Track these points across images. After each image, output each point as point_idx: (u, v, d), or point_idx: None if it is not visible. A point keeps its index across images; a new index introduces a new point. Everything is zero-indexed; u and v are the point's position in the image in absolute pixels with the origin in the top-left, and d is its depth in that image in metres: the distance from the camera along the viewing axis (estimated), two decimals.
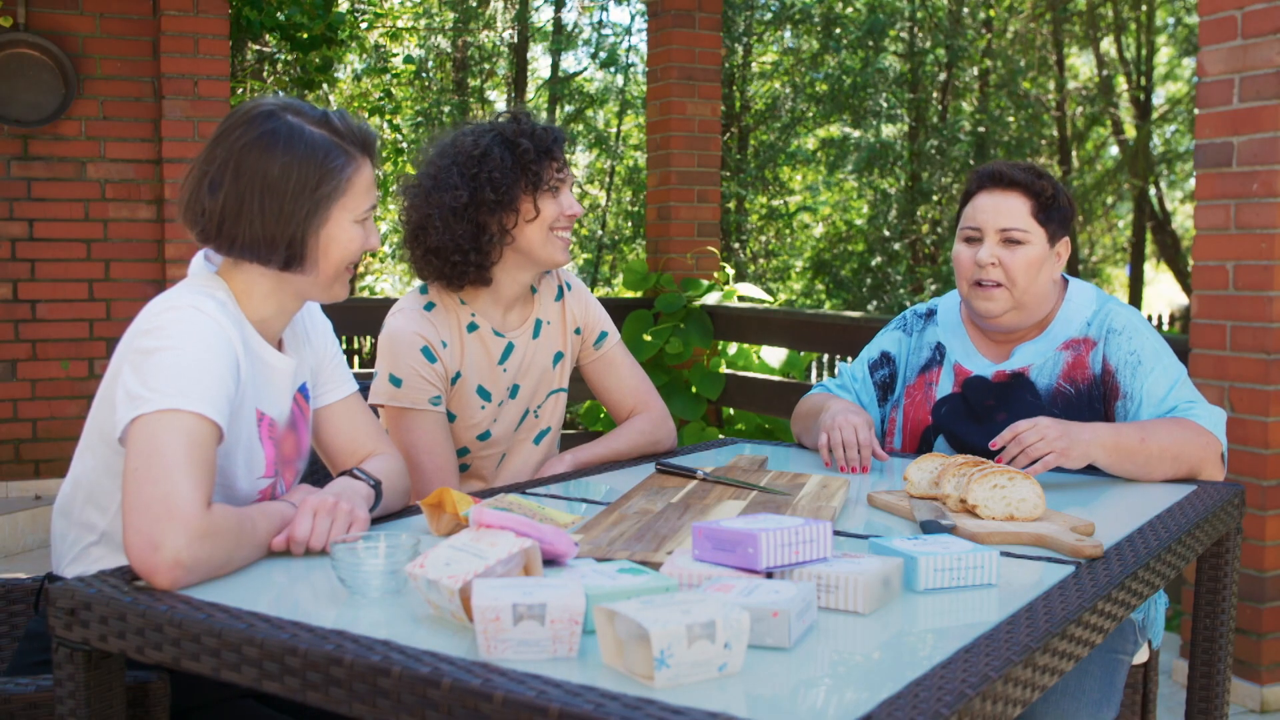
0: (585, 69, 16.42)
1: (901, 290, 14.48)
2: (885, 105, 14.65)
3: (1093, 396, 2.27)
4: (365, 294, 15.66)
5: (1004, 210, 2.26)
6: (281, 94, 1.78)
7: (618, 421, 2.53)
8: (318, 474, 2.23)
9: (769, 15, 14.52)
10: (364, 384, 2.39)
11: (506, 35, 15.39)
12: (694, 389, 5.80)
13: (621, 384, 2.53)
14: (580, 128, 15.25)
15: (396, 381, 2.26)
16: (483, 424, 2.36)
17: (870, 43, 14.20)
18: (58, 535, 1.77)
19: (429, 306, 2.32)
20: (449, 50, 15.18)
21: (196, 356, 1.59)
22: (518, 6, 15.12)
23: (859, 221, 15.52)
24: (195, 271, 1.77)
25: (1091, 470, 2.16)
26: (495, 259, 2.29)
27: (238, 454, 1.71)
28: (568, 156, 2.34)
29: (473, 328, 2.34)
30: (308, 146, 1.71)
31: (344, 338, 10.58)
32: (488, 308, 2.37)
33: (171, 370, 1.56)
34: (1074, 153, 16.55)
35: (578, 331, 2.50)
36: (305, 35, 7.83)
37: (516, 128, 2.29)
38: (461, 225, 2.25)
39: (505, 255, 2.30)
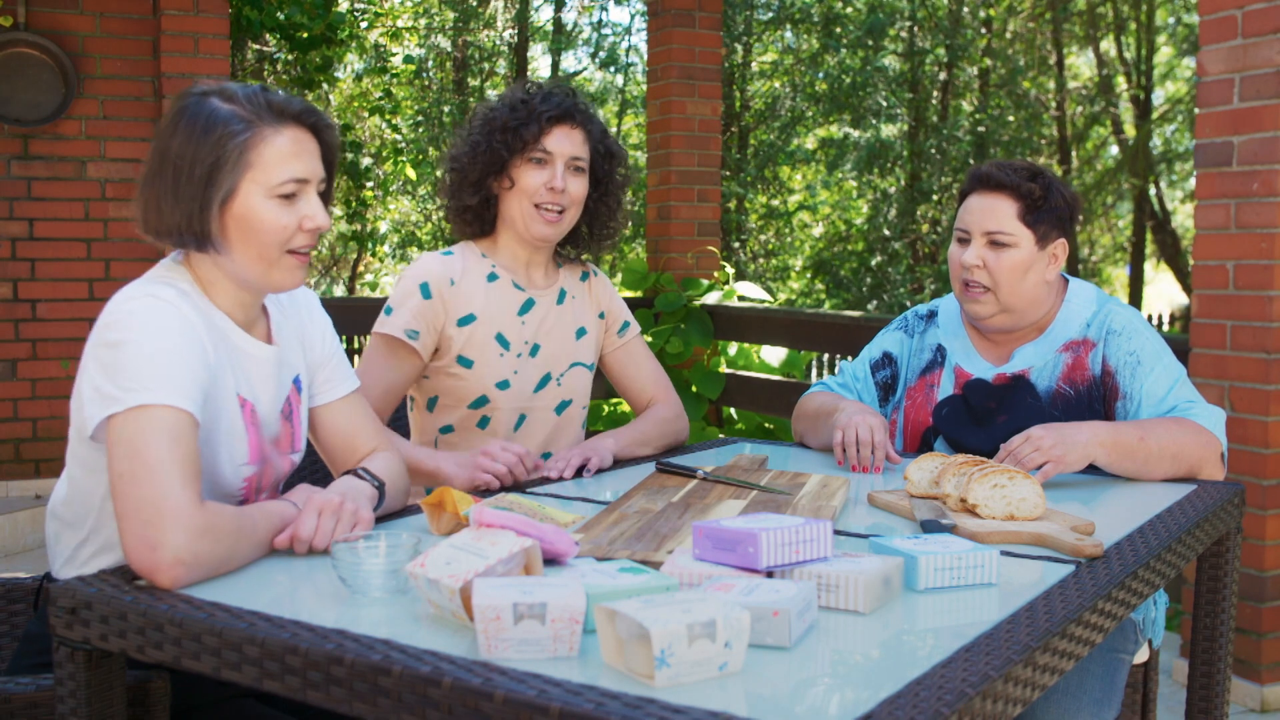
0: (585, 69, 16.42)
1: (901, 290, 14.49)
2: (885, 105, 14.66)
3: (1093, 398, 2.27)
4: (365, 293, 15.67)
5: (990, 213, 2.26)
6: (250, 83, 1.71)
7: (636, 413, 2.57)
8: (318, 474, 2.23)
9: (769, 15, 14.52)
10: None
11: (506, 35, 15.39)
12: (694, 388, 5.80)
13: (641, 375, 2.57)
14: None
15: (388, 310, 2.33)
16: (502, 372, 2.37)
17: (870, 42, 14.21)
18: (51, 536, 1.76)
19: (447, 252, 2.40)
20: (449, 50, 15.18)
21: (158, 346, 1.56)
22: (518, 6, 15.12)
23: (859, 221, 15.52)
24: (161, 264, 1.74)
25: (1091, 469, 2.16)
26: (488, 217, 2.40)
27: (219, 441, 1.68)
28: (571, 132, 2.33)
29: (493, 278, 2.40)
30: (206, 120, 1.64)
31: (344, 337, 10.58)
32: (508, 262, 2.43)
33: (136, 364, 1.53)
34: (1074, 152, 16.55)
35: (602, 316, 2.54)
36: (305, 35, 7.83)
37: (513, 96, 2.36)
38: (450, 176, 2.40)
39: (500, 220, 2.40)
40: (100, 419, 1.54)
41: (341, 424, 1.93)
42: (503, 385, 2.38)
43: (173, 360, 1.56)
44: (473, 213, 2.39)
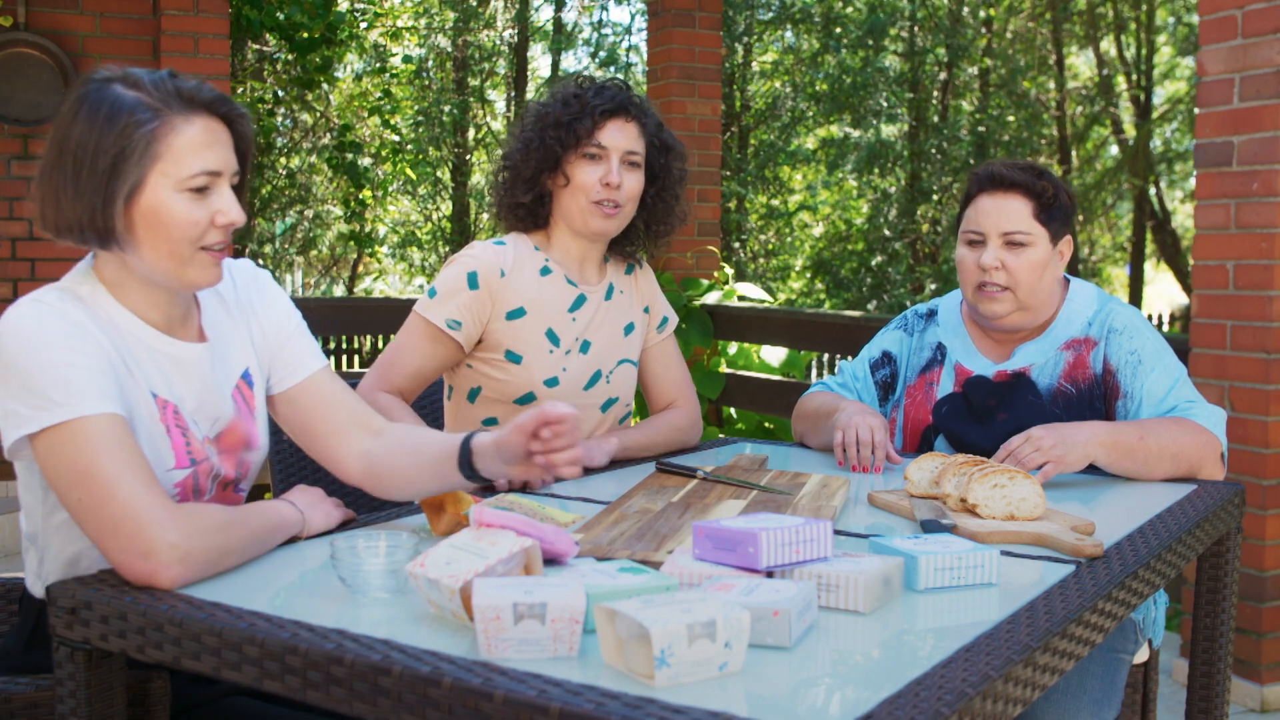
0: (585, 69, 16.42)
1: (901, 290, 14.49)
2: (885, 105, 14.66)
3: (1094, 396, 2.27)
4: (363, 293, 15.67)
5: (1006, 213, 2.26)
6: (167, 71, 1.60)
7: (653, 411, 2.54)
8: (318, 473, 2.22)
9: (769, 15, 14.53)
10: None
11: (506, 35, 15.39)
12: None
13: (668, 374, 2.54)
14: None
15: (432, 293, 2.30)
16: (551, 369, 2.33)
17: (870, 42, 14.21)
18: (24, 550, 1.70)
19: (499, 242, 2.36)
20: (449, 50, 15.18)
21: (50, 357, 1.47)
22: (518, 6, 15.12)
23: (859, 221, 15.53)
24: (73, 269, 1.66)
25: (1092, 469, 2.16)
26: (541, 213, 2.36)
27: (140, 445, 1.56)
28: (626, 126, 2.30)
29: (546, 271, 2.36)
30: (110, 108, 1.52)
31: (344, 337, 10.58)
32: (561, 257, 2.39)
33: (38, 378, 1.46)
34: (1074, 152, 16.56)
35: (647, 310, 2.52)
36: (305, 35, 7.84)
37: (565, 91, 2.34)
38: (503, 174, 2.38)
39: (555, 215, 2.36)
40: (14, 439, 1.48)
41: (321, 399, 1.80)
42: (551, 383, 2.33)
43: (70, 366, 1.47)
44: (525, 209, 2.35)
